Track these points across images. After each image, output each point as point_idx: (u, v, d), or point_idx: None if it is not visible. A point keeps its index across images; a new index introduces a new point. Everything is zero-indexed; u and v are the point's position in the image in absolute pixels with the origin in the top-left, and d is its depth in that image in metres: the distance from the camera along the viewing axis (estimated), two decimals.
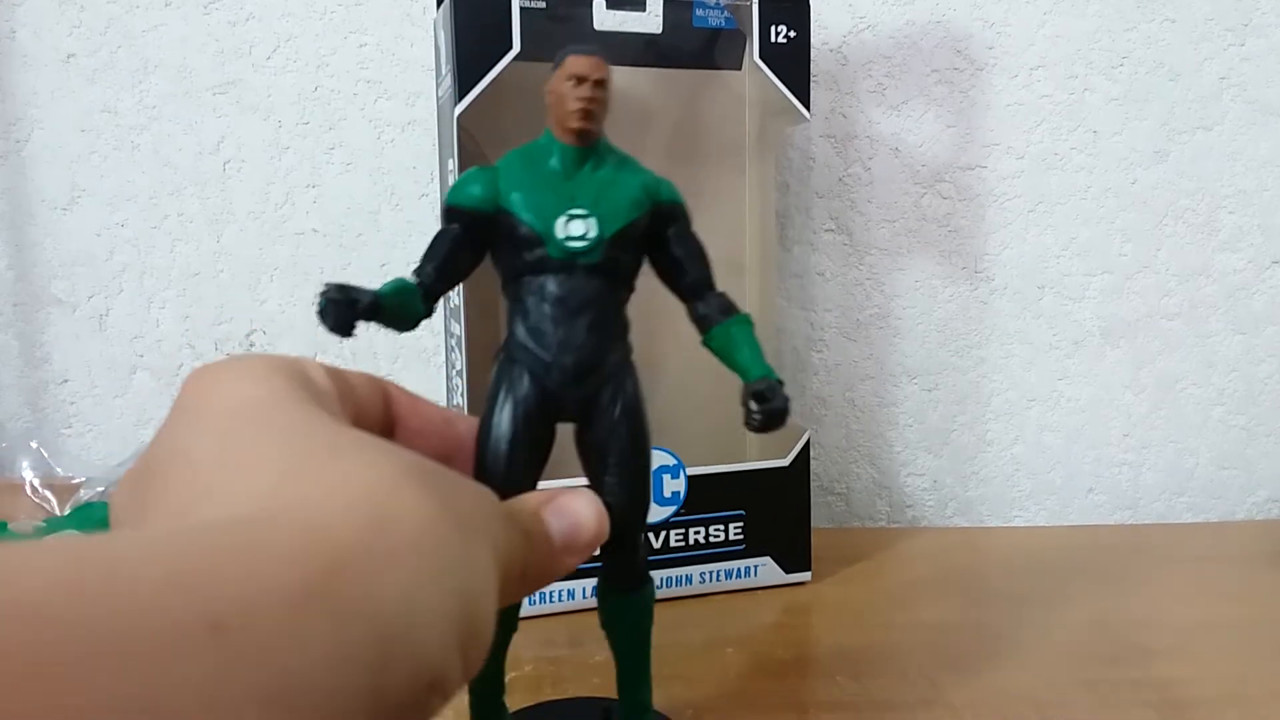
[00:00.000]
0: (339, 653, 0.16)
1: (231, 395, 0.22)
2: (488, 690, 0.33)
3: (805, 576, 0.55)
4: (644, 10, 0.52)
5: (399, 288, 0.29)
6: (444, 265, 0.30)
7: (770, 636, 0.49)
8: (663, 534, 0.52)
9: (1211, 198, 0.71)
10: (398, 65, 0.67)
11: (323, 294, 0.27)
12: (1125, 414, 0.72)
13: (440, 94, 0.53)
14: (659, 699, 0.40)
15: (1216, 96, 0.70)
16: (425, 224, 0.68)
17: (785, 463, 0.54)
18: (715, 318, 0.31)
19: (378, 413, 0.28)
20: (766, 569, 0.54)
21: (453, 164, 0.50)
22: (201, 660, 0.14)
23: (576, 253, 0.29)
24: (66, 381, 0.70)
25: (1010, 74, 0.69)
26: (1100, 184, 0.70)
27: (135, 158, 0.68)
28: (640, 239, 0.31)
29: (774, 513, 0.54)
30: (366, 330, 0.70)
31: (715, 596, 0.53)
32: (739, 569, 0.54)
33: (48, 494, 0.56)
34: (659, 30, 0.53)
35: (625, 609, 0.32)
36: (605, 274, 0.30)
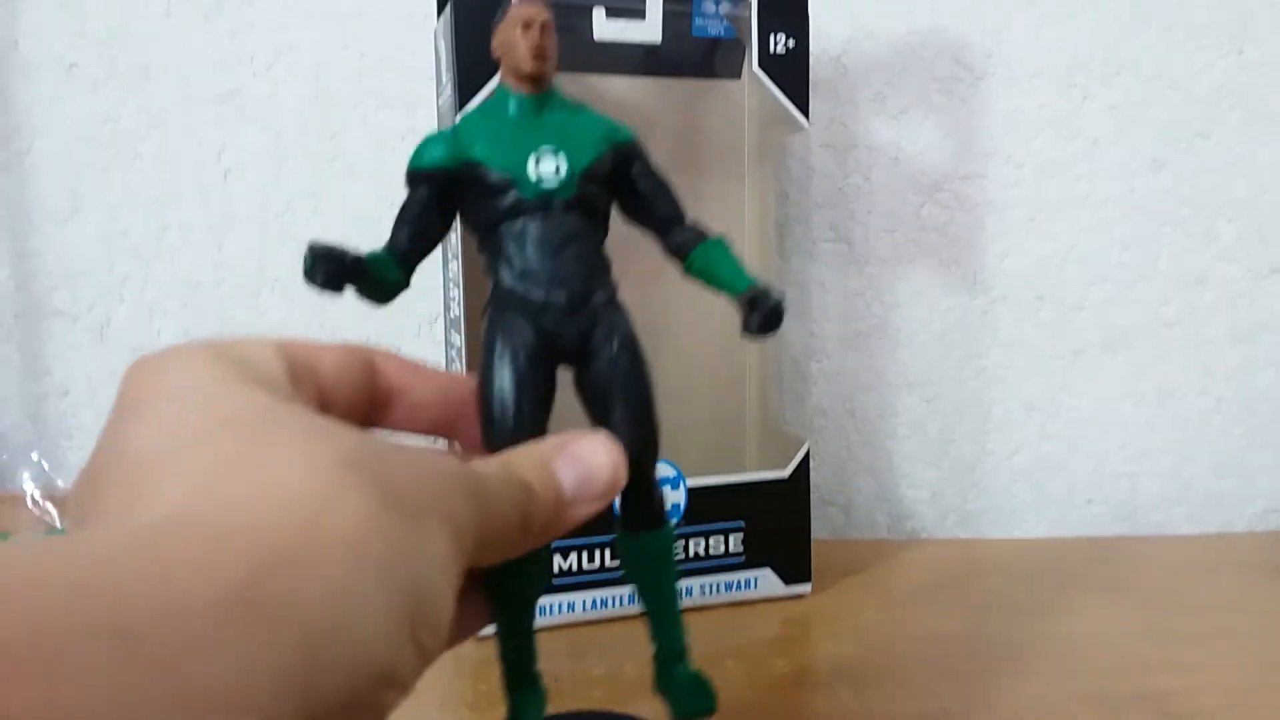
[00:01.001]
0: (259, 658, 0.15)
1: (169, 386, 0.21)
2: (519, 658, 0.31)
3: (805, 588, 0.55)
4: (644, 20, 0.52)
5: (375, 255, 0.29)
6: (415, 231, 0.30)
7: (770, 648, 0.49)
8: None
9: (1210, 206, 0.71)
10: (398, 74, 0.68)
11: (309, 251, 0.27)
12: (1124, 423, 0.72)
13: (440, 103, 0.53)
14: (658, 711, 0.40)
15: (1215, 105, 0.70)
16: None
17: (785, 474, 0.54)
18: (692, 242, 0.32)
19: (354, 388, 0.27)
20: (766, 581, 0.54)
21: None
22: (108, 669, 0.14)
23: (551, 191, 0.29)
24: (68, 393, 0.70)
25: (1009, 82, 0.69)
26: (1099, 193, 0.70)
27: (136, 167, 0.68)
28: (608, 174, 0.31)
29: (774, 524, 0.54)
30: (366, 341, 0.70)
31: (715, 609, 0.53)
32: (738, 581, 0.54)
33: (49, 506, 0.56)
34: (658, 40, 0.53)
35: (645, 549, 0.31)
36: (582, 209, 0.30)
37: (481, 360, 0.29)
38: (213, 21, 0.67)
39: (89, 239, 0.69)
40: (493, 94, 0.31)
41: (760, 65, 0.53)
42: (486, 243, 0.30)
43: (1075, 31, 0.69)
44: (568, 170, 0.29)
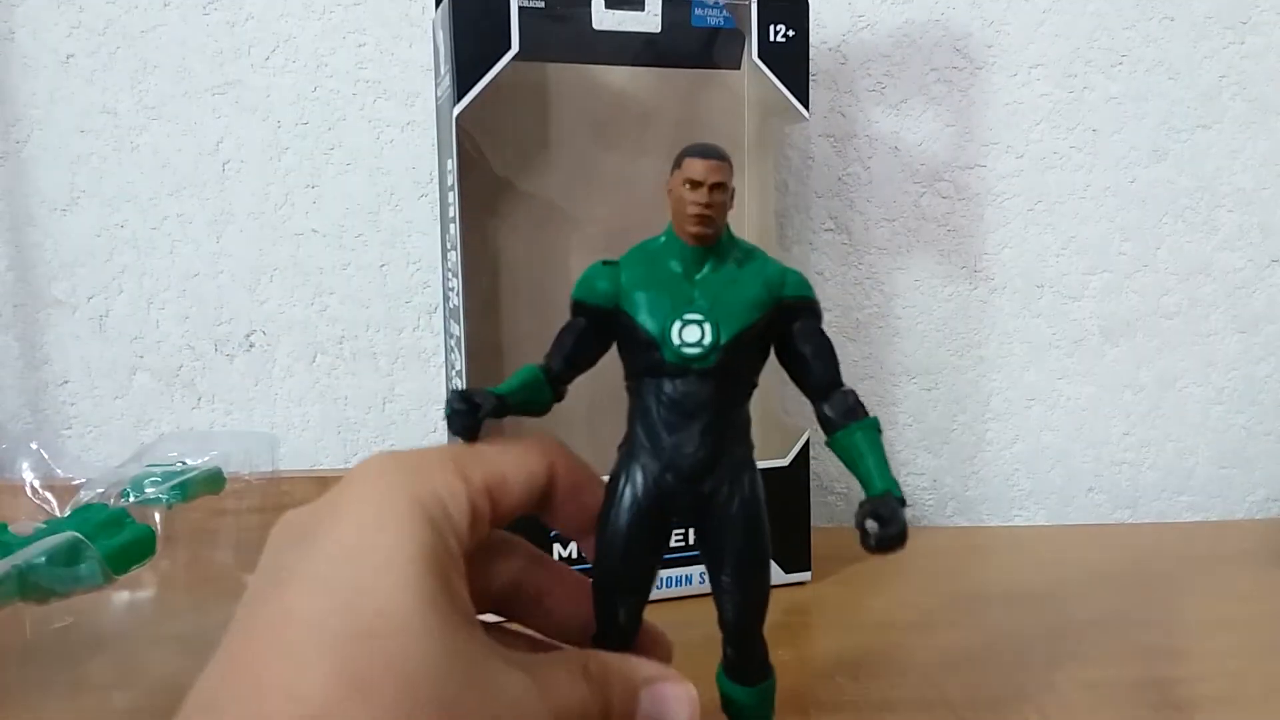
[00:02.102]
0: None
1: (359, 530, 0.24)
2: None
3: (805, 576, 0.55)
4: (643, 10, 0.52)
5: (526, 380, 0.30)
6: (571, 356, 0.30)
7: (770, 636, 0.48)
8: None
9: (1211, 196, 0.71)
10: (396, 65, 0.67)
11: (448, 403, 0.28)
12: (1125, 413, 0.72)
13: (439, 94, 0.53)
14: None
15: (1216, 95, 0.70)
16: (424, 224, 0.68)
17: (785, 463, 0.54)
18: (838, 422, 0.31)
19: (532, 491, 0.29)
20: None
21: (451, 164, 0.50)
22: None
23: (691, 358, 0.29)
24: (66, 383, 0.70)
25: (1009, 72, 0.69)
26: (1099, 183, 0.70)
27: (135, 159, 0.68)
28: (761, 337, 0.30)
29: (774, 513, 0.54)
30: (365, 331, 0.69)
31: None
32: None
33: (48, 495, 0.56)
34: (658, 30, 0.53)
35: (746, 700, 0.32)
36: (721, 377, 0.29)
37: (605, 496, 0.30)
38: (211, 13, 0.67)
39: (87, 230, 0.69)
40: (663, 234, 0.31)
41: (760, 55, 0.53)
42: (631, 385, 0.31)
43: (1076, 21, 0.69)
44: (711, 341, 0.29)
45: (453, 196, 0.51)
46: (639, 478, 0.29)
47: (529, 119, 0.56)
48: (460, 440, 0.28)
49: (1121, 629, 0.49)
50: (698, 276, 0.30)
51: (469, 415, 0.28)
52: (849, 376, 0.73)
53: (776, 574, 0.54)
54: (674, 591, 0.52)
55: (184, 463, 0.59)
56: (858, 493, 0.74)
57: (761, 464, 0.54)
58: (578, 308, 0.31)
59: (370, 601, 0.23)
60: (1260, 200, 0.71)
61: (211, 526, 0.57)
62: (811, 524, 0.55)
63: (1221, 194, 0.71)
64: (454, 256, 0.52)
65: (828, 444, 0.31)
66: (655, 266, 0.30)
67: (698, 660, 0.43)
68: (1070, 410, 0.72)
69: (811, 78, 0.54)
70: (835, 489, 0.71)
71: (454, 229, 0.51)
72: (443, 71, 0.51)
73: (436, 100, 0.54)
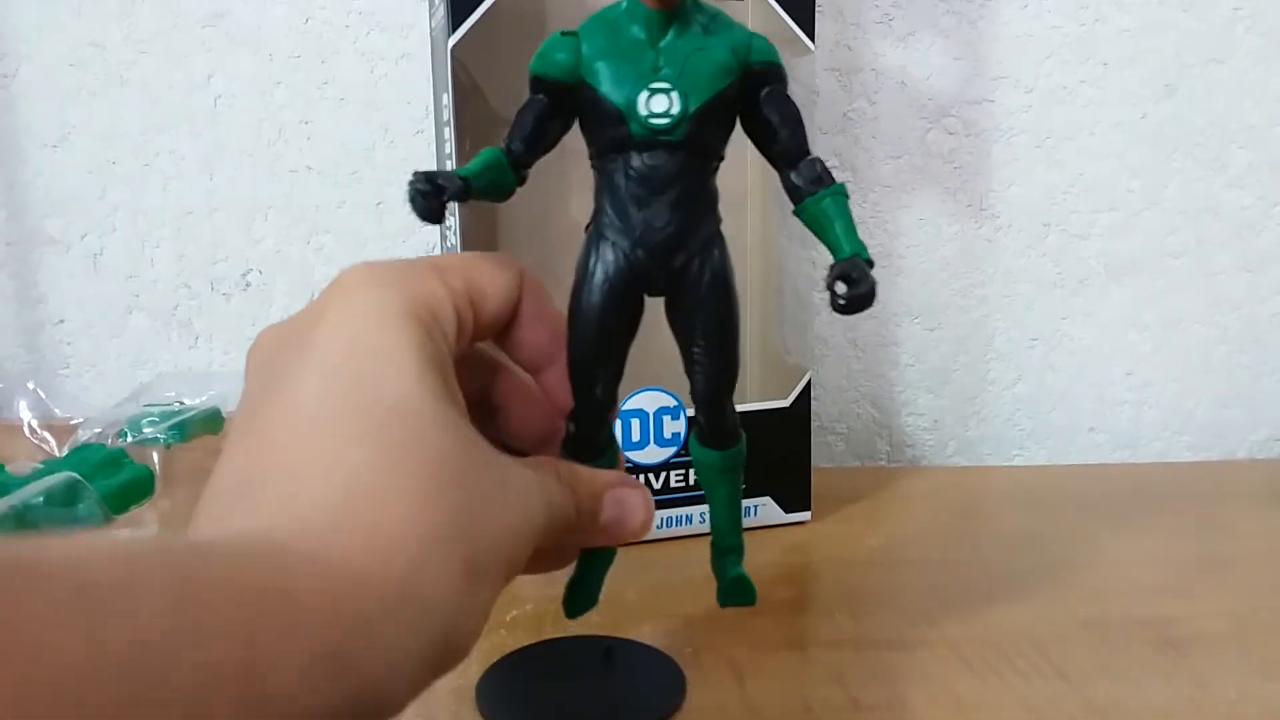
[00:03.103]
0: (324, 704, 0.19)
1: (356, 331, 0.24)
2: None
3: (805, 516, 0.55)
4: None
5: (487, 162, 0.29)
6: (531, 136, 0.30)
7: (770, 575, 0.49)
8: (663, 475, 0.52)
9: (1222, 133, 0.69)
10: None
11: (411, 184, 0.27)
12: (1128, 353, 0.72)
13: (433, 25, 0.52)
14: (658, 636, 0.41)
15: (1229, 28, 0.68)
16: (421, 161, 0.67)
17: (786, 403, 0.54)
18: (806, 189, 0.30)
19: (507, 302, 0.29)
20: (766, 509, 0.54)
21: (447, 99, 0.49)
22: (231, 699, 0.17)
23: (659, 129, 0.28)
24: (62, 322, 0.70)
25: (1019, 4, 0.67)
26: (1109, 118, 0.69)
27: (125, 94, 0.67)
28: (729, 106, 0.30)
29: (774, 453, 0.54)
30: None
31: None
32: None
33: (46, 435, 0.56)
34: None
35: (716, 463, 0.33)
36: (691, 149, 0.29)
37: (575, 276, 0.30)
38: None
39: (79, 167, 0.68)
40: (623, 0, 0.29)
41: None
42: (596, 163, 0.30)
43: None
44: (680, 110, 0.28)
45: (449, 132, 0.50)
46: (609, 255, 0.29)
47: (527, 51, 0.54)
48: (425, 223, 0.28)
49: (1120, 568, 0.49)
50: (662, 43, 0.29)
51: (434, 196, 0.27)
52: (850, 317, 0.73)
53: (777, 513, 0.55)
54: (674, 531, 0.52)
55: (182, 402, 0.59)
56: (858, 432, 0.74)
57: (763, 405, 0.54)
58: (536, 83, 0.30)
59: (384, 389, 0.23)
60: (1271, 138, 0.69)
61: (210, 466, 0.57)
62: (812, 464, 0.55)
63: (1232, 131, 0.69)
64: None
65: (795, 213, 0.31)
66: (617, 35, 0.29)
67: (697, 598, 0.43)
68: (1073, 350, 0.71)
69: (817, 8, 0.53)
70: (836, 429, 0.71)
71: (450, 165, 0.50)
72: (436, 1, 0.50)
73: (431, 32, 0.53)
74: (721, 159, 0.30)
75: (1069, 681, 0.38)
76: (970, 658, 0.40)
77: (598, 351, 0.30)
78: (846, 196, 0.30)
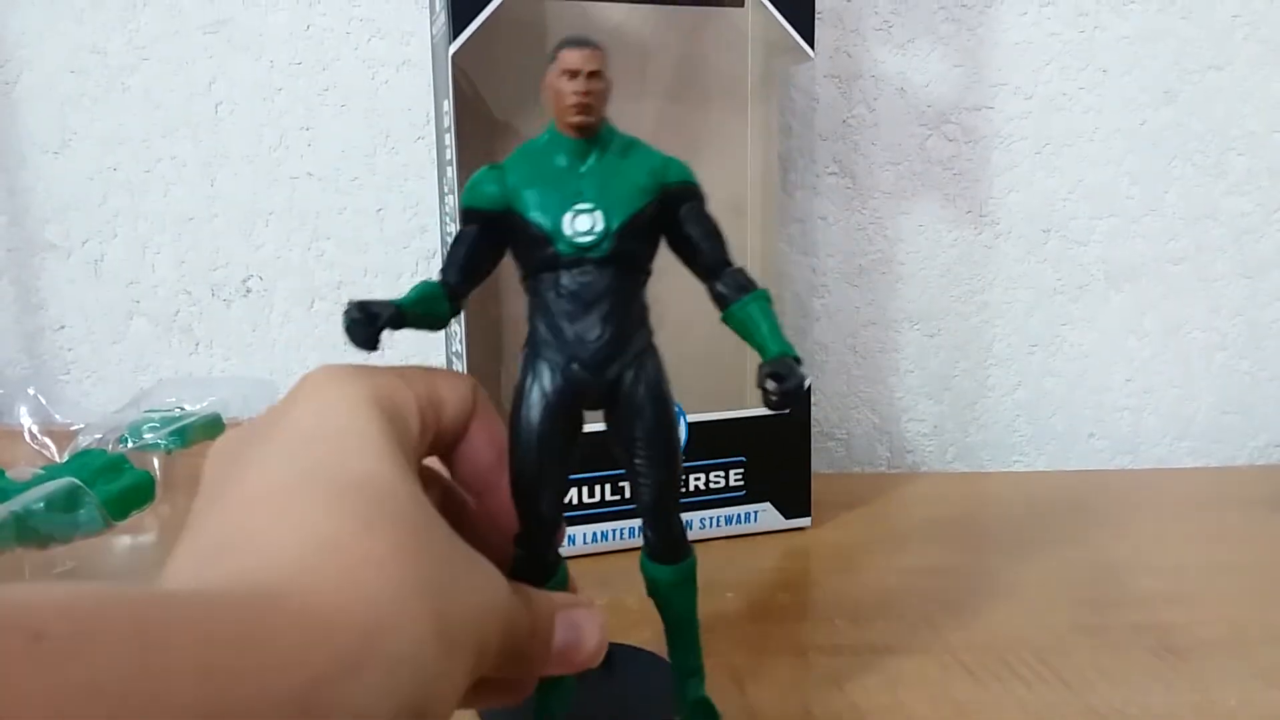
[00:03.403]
0: None
1: (327, 414, 0.25)
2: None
3: (805, 522, 0.55)
4: None
5: (422, 293, 0.30)
6: (466, 266, 0.30)
7: (770, 581, 0.49)
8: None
9: (1221, 139, 0.69)
10: (390, 2, 0.66)
11: (345, 313, 0.28)
12: (1128, 359, 0.72)
13: (434, 32, 0.52)
14: (658, 642, 0.40)
15: (1228, 35, 0.68)
16: (421, 167, 0.67)
17: (786, 409, 0.54)
18: (731, 295, 0.31)
19: (461, 414, 0.30)
20: (767, 515, 0.54)
21: (448, 105, 0.49)
22: None
23: (585, 247, 0.29)
24: (63, 328, 0.70)
25: (1019, 11, 0.67)
26: (1109, 125, 0.69)
27: (126, 100, 0.67)
28: (652, 224, 0.31)
29: (774, 459, 0.54)
30: (363, 277, 0.68)
31: (715, 542, 0.53)
32: (739, 515, 0.54)
33: (47, 440, 0.56)
34: None
35: (666, 579, 0.33)
36: (617, 264, 0.30)
37: (513, 398, 0.30)
38: None
39: (80, 173, 0.68)
40: (545, 133, 0.30)
41: None
42: (528, 285, 0.31)
43: None
44: (603, 228, 0.29)
45: (450, 138, 0.50)
46: (545, 372, 0.30)
47: (527, 58, 0.54)
48: (361, 351, 0.28)
49: (1121, 574, 0.49)
50: (582, 169, 0.30)
51: (367, 325, 0.28)
52: (851, 323, 0.73)
53: (777, 519, 0.55)
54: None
55: (182, 408, 0.59)
56: (858, 438, 0.74)
57: (762, 411, 0.54)
58: (467, 215, 0.31)
59: (354, 463, 0.23)
60: (1271, 144, 0.69)
61: None
62: (812, 470, 0.55)
63: (1231, 137, 0.69)
64: (452, 200, 0.51)
65: (723, 319, 0.31)
66: (541, 164, 0.30)
67: (700, 600, 0.43)
68: (1073, 356, 0.71)
69: (817, 15, 0.53)
70: (836, 435, 0.71)
71: (451, 172, 0.51)
72: (438, 8, 0.50)
73: (432, 38, 0.53)
74: (648, 274, 0.31)
75: (1069, 687, 0.38)
76: (970, 663, 0.40)
77: (541, 469, 0.30)
78: (770, 301, 0.31)
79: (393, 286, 0.68)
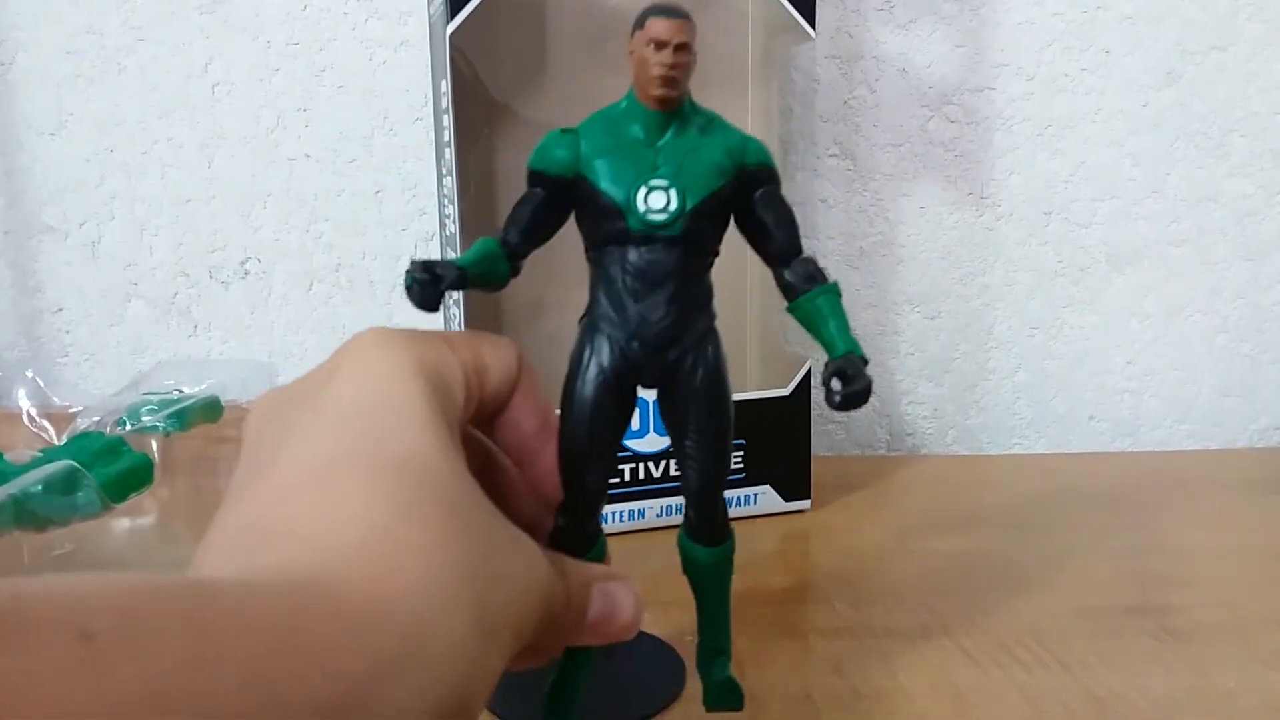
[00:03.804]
0: None
1: (370, 386, 0.24)
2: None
3: (805, 504, 0.55)
4: None
5: (483, 253, 0.29)
6: (528, 228, 0.30)
7: (769, 564, 0.49)
8: (662, 463, 0.52)
9: (1224, 121, 0.69)
10: None
11: (409, 273, 0.28)
12: (1129, 341, 0.71)
13: (432, 12, 0.52)
14: (659, 625, 0.41)
15: (1232, 16, 0.68)
16: (420, 149, 0.67)
17: (786, 392, 0.54)
18: (800, 286, 0.30)
19: (507, 380, 0.29)
20: (766, 497, 0.54)
21: (446, 86, 0.49)
22: None
23: (657, 225, 0.29)
24: (61, 310, 0.70)
25: None
26: (1111, 106, 0.68)
27: (122, 81, 0.67)
28: (725, 205, 0.30)
29: (774, 441, 0.54)
30: (362, 259, 0.68)
31: None
32: (739, 497, 0.54)
33: (45, 423, 0.56)
34: None
35: (706, 560, 0.33)
36: (687, 245, 0.29)
37: (569, 368, 0.30)
38: None
39: (77, 155, 0.67)
40: (624, 99, 0.30)
41: None
42: (593, 255, 0.30)
43: None
44: (677, 207, 0.28)
45: (448, 120, 0.50)
46: (604, 347, 0.29)
47: (525, 39, 0.54)
48: (423, 311, 0.28)
49: (1120, 557, 0.49)
50: (660, 143, 0.29)
51: (431, 286, 0.27)
52: (851, 305, 0.72)
53: (777, 501, 0.55)
54: (674, 519, 0.52)
55: (181, 391, 0.59)
56: (858, 421, 0.74)
57: (763, 393, 0.54)
58: (535, 178, 0.30)
59: (396, 440, 0.23)
60: (1274, 125, 0.69)
61: (210, 454, 0.57)
62: (812, 452, 0.55)
63: (1234, 119, 0.69)
64: (450, 182, 0.51)
65: (789, 309, 0.31)
66: (616, 133, 0.29)
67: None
68: (1073, 339, 0.71)
69: None
70: (835, 418, 0.71)
71: (449, 153, 0.50)
72: None
73: (429, 18, 0.53)
74: (716, 255, 0.31)
75: (1069, 671, 0.38)
76: (970, 647, 0.40)
77: (590, 442, 0.30)
78: (839, 295, 0.30)
79: (391, 269, 0.68)
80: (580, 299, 0.30)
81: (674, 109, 0.29)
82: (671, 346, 0.29)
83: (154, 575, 0.17)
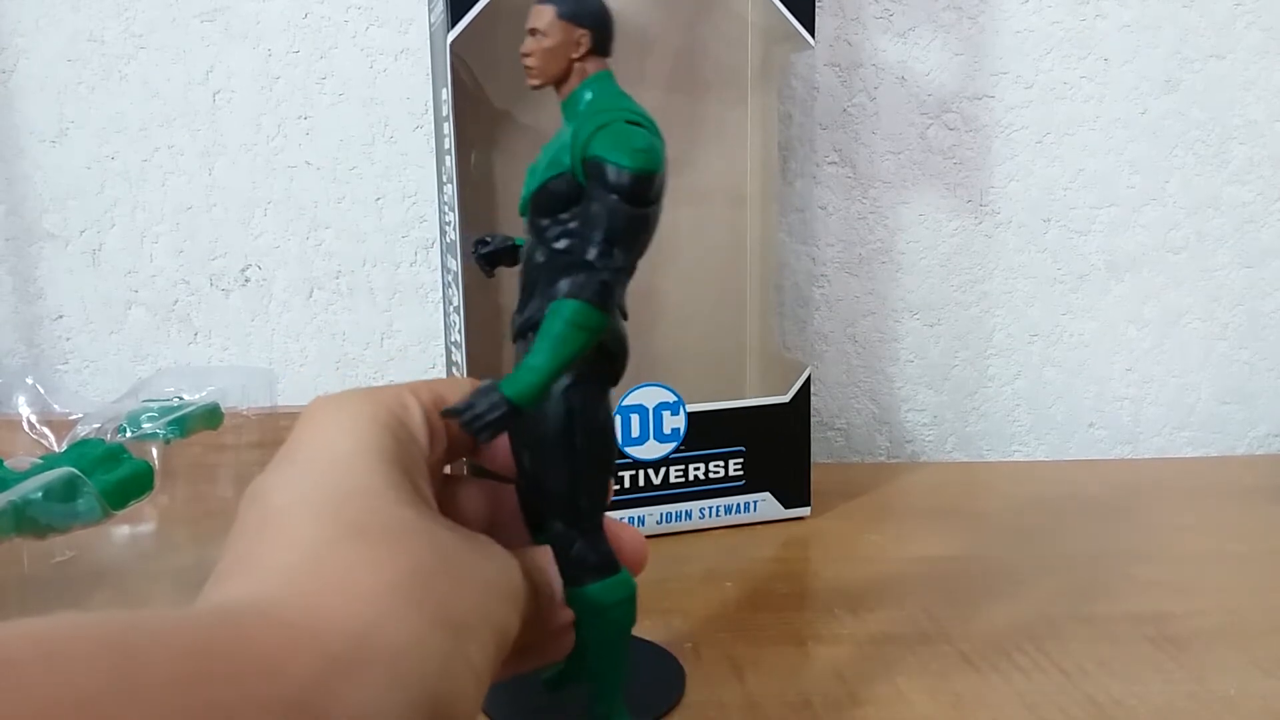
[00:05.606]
0: None
1: (323, 445, 0.26)
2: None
3: (804, 511, 0.55)
4: None
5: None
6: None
7: (769, 571, 0.49)
8: (662, 470, 0.52)
9: (1222, 128, 0.69)
10: None
11: (475, 242, 0.30)
12: (1128, 349, 0.72)
13: (432, 20, 0.52)
14: (658, 631, 0.41)
15: (1230, 24, 0.68)
16: (420, 156, 0.67)
17: (786, 399, 0.54)
18: (556, 293, 0.27)
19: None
20: (766, 504, 0.54)
21: (446, 94, 0.49)
22: None
23: (521, 212, 0.29)
24: (61, 317, 0.70)
25: None
26: (1110, 114, 0.69)
27: (123, 88, 0.67)
28: (561, 197, 0.28)
29: (774, 448, 0.54)
30: (362, 266, 0.68)
31: (715, 531, 0.53)
32: (739, 504, 0.54)
33: (45, 430, 0.56)
34: None
35: (582, 603, 0.29)
36: (537, 235, 0.28)
37: None
38: None
39: (77, 162, 0.67)
40: None
41: None
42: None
43: None
44: (524, 197, 0.29)
45: (448, 128, 0.50)
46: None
47: None
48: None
49: (1120, 563, 0.49)
50: (559, 132, 0.29)
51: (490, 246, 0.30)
52: (850, 313, 0.72)
53: (777, 509, 0.55)
54: (674, 527, 0.52)
55: (181, 398, 0.59)
56: (858, 428, 0.74)
57: (762, 400, 0.54)
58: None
59: (344, 482, 0.24)
60: (1272, 133, 0.69)
61: (210, 462, 0.57)
62: (811, 459, 0.55)
63: (1233, 126, 0.69)
64: (450, 190, 0.51)
65: None
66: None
67: (697, 594, 0.43)
68: (1073, 346, 0.71)
69: (817, 3, 0.53)
70: (835, 425, 0.71)
71: (450, 161, 0.50)
72: None
73: (430, 26, 0.53)
74: (565, 251, 0.28)
75: (1068, 677, 0.38)
76: (969, 653, 0.40)
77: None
78: (568, 316, 0.26)
79: (392, 276, 0.68)
80: None
81: (540, 88, 0.29)
82: (529, 333, 0.28)
83: (86, 613, 0.18)
